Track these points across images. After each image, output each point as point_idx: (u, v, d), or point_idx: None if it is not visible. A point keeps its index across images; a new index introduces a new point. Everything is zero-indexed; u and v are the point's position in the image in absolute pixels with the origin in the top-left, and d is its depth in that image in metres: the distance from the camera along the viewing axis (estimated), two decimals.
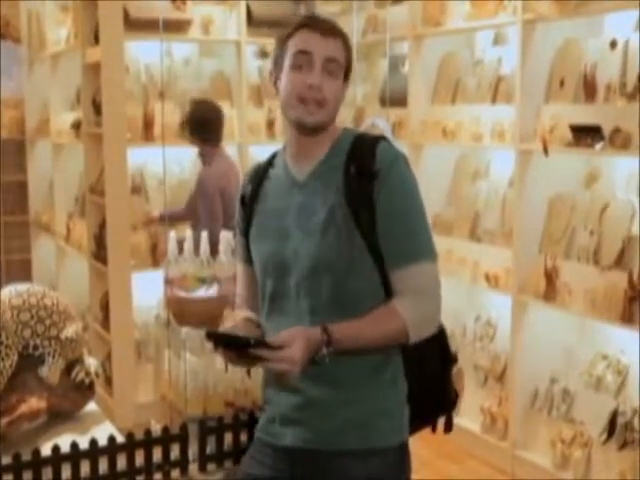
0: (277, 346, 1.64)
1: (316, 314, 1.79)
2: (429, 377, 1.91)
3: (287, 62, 1.79)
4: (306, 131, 1.82)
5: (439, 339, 1.87)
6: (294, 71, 1.78)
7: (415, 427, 1.93)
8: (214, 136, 4.44)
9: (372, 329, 1.76)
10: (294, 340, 1.64)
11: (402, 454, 1.87)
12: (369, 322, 1.76)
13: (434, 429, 2.00)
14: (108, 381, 4.77)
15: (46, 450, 1.97)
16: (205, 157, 4.47)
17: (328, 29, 1.79)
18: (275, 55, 1.84)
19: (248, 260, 1.96)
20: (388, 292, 1.81)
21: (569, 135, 3.68)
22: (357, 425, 1.81)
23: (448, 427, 1.99)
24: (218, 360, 2.43)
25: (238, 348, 1.68)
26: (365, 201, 1.77)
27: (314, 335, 1.68)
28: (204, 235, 2.53)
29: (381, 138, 1.85)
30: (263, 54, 5.46)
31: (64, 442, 2.00)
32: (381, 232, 1.78)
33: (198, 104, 4.51)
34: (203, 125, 4.40)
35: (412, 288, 1.78)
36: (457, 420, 4.24)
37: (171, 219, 4.57)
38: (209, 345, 1.80)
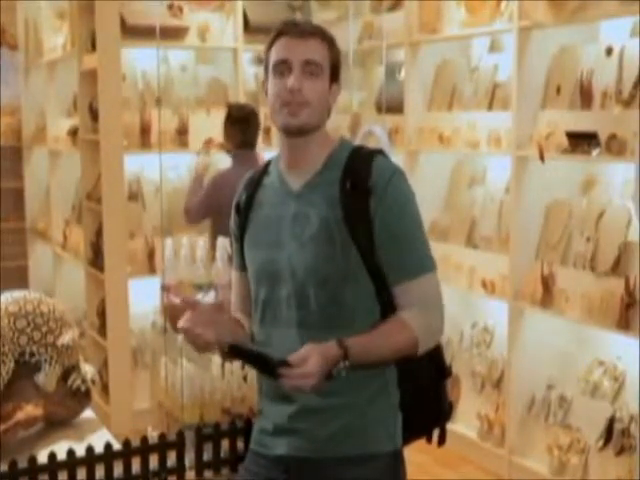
0: (294, 364, 1.64)
1: (305, 326, 1.80)
2: (424, 390, 1.91)
3: (270, 71, 1.82)
4: (293, 134, 1.82)
5: (434, 351, 1.87)
6: (276, 78, 1.80)
7: (409, 438, 1.92)
8: (246, 140, 4.29)
9: (384, 342, 1.77)
10: (310, 356, 1.64)
11: (396, 460, 1.87)
12: (381, 335, 1.77)
13: (429, 440, 2.00)
14: (104, 388, 4.77)
15: (42, 457, 1.97)
16: (233, 159, 4.31)
17: (305, 32, 1.80)
18: (264, 64, 1.86)
19: (243, 267, 1.96)
20: (384, 306, 1.81)
21: (565, 142, 3.69)
22: (351, 432, 1.82)
23: (442, 440, 1.99)
24: (215, 367, 2.43)
25: (259, 364, 1.73)
26: (362, 217, 1.78)
27: (330, 350, 1.68)
28: (201, 242, 2.54)
29: (378, 152, 1.86)
30: (260, 61, 5.46)
31: (60, 449, 1.99)
32: (381, 248, 1.79)
33: (233, 107, 4.44)
34: (235, 128, 4.33)
35: (417, 301, 1.79)
36: (454, 426, 4.30)
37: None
38: (230, 356, 1.84)
